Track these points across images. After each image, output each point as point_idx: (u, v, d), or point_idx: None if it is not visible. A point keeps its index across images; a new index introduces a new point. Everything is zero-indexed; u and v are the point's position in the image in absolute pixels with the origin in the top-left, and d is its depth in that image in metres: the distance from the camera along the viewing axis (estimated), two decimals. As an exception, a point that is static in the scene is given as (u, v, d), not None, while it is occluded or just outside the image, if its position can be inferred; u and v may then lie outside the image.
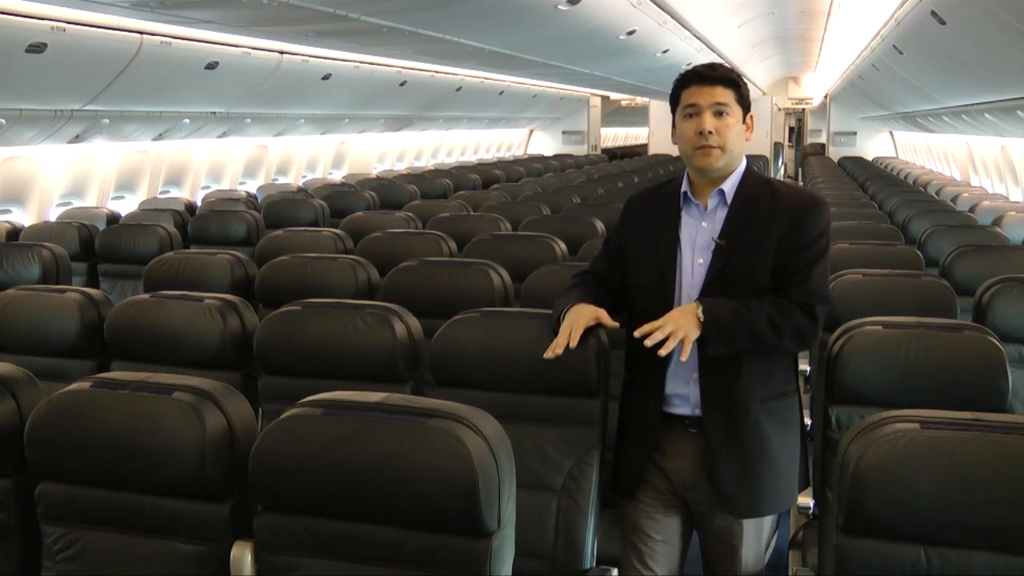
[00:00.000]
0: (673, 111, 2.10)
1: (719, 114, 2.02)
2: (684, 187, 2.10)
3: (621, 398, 2.23)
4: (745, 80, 2.11)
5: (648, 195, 2.20)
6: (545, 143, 17.69)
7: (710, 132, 2.00)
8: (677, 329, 1.91)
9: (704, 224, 2.06)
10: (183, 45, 5.48)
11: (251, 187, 8.84)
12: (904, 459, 1.58)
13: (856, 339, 2.30)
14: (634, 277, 2.14)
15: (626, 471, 2.16)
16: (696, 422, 2.06)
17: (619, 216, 2.23)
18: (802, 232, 1.99)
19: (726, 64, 2.24)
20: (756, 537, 2.09)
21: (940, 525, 1.57)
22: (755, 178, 2.09)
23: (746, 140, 2.08)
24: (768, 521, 2.12)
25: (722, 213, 2.05)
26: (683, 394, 2.07)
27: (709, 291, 1.99)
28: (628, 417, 2.19)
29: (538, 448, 2.21)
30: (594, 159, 15.21)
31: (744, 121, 2.06)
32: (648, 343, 1.91)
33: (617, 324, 2.10)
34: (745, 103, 2.06)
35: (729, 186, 2.05)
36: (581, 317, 2.08)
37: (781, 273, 1.99)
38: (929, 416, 1.64)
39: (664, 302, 2.03)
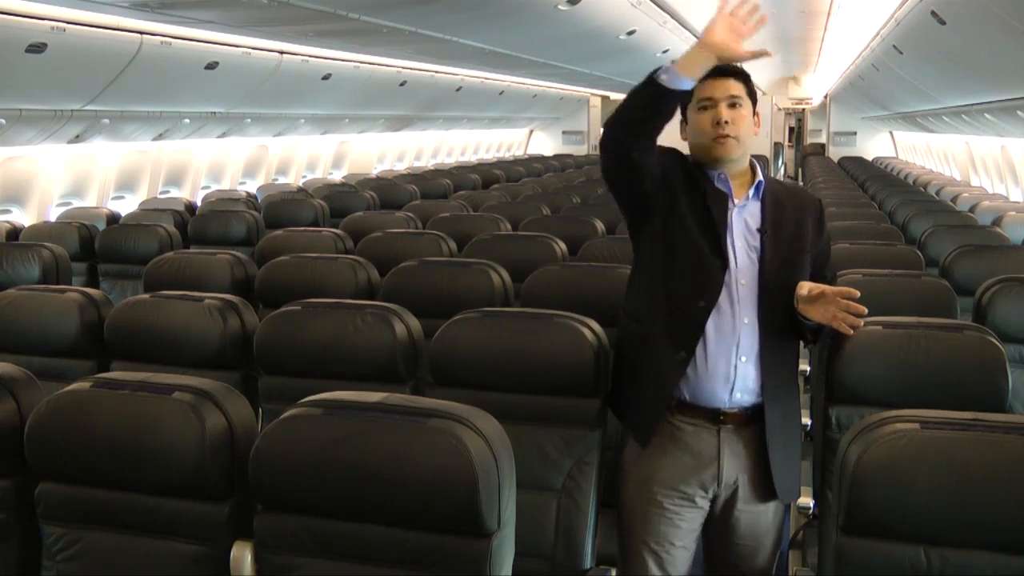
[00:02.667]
0: (684, 107, 2.11)
1: (733, 106, 2.06)
2: (716, 172, 2.10)
3: (620, 353, 2.21)
4: None
5: (687, 160, 2.15)
6: (545, 143, 17.68)
7: (726, 122, 2.04)
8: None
9: (734, 212, 2.09)
10: (183, 45, 5.47)
11: (251, 187, 8.84)
12: (904, 459, 1.58)
13: (856, 339, 2.29)
14: (683, 223, 2.07)
15: (644, 414, 2.13)
16: (732, 416, 2.06)
17: (663, 152, 2.13)
18: (822, 231, 2.19)
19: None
20: (779, 528, 2.14)
21: (940, 525, 1.57)
22: (768, 176, 2.17)
23: (754, 135, 2.12)
24: (781, 514, 2.16)
25: (753, 205, 2.10)
26: (724, 375, 2.04)
27: (766, 278, 2.06)
28: (641, 364, 2.15)
29: (538, 448, 2.21)
30: (594, 159, 15.18)
31: (754, 114, 2.12)
32: (802, 292, 2.00)
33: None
34: (753, 97, 2.12)
35: (761, 178, 2.12)
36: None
37: (814, 267, 2.15)
38: (929, 416, 1.64)
39: (719, 264, 2.04)
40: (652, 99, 1.96)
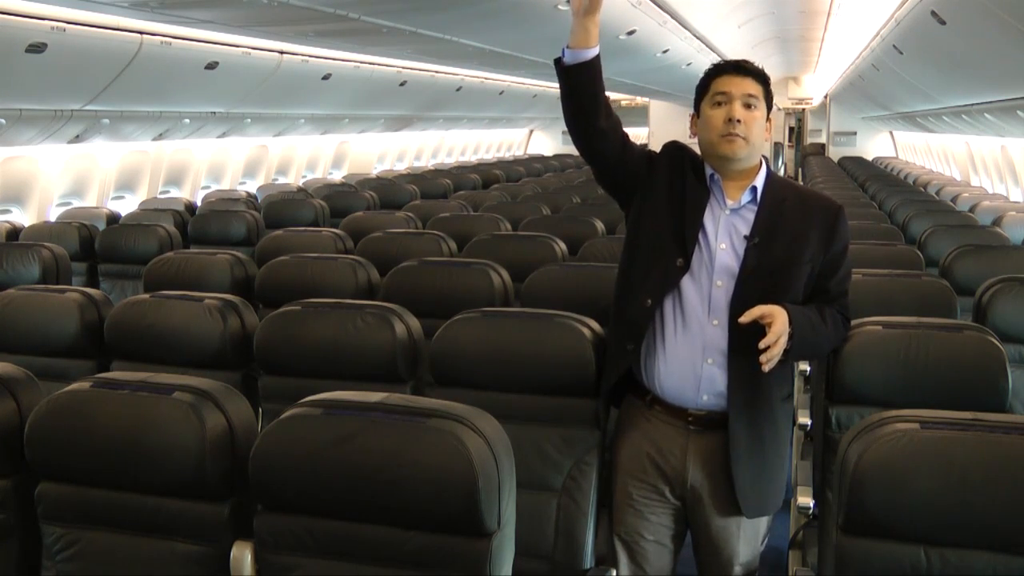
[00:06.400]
0: (698, 101, 2.11)
1: (748, 106, 2.04)
2: (710, 171, 2.09)
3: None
4: None
5: (688, 155, 2.15)
6: (545, 143, 17.69)
7: (738, 121, 2.02)
8: (782, 332, 1.91)
9: (727, 213, 2.06)
10: (183, 45, 5.48)
11: (251, 187, 8.84)
12: (904, 459, 1.58)
13: (856, 339, 2.30)
14: (653, 220, 2.09)
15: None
16: (701, 419, 2.05)
17: (658, 153, 2.17)
18: (836, 241, 2.06)
19: None
20: (753, 536, 2.10)
21: (940, 525, 1.57)
22: (778, 179, 2.12)
23: (764, 140, 2.09)
24: (764, 519, 2.12)
25: (749, 209, 2.06)
26: (690, 375, 2.03)
27: (744, 287, 2.00)
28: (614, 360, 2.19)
29: (538, 448, 2.21)
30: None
31: (767, 119, 2.09)
32: (743, 320, 1.91)
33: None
34: (769, 101, 2.09)
35: (759, 184, 2.07)
36: None
37: (818, 280, 2.06)
38: (929, 416, 1.64)
39: (680, 260, 2.03)
40: (561, 79, 2.05)
